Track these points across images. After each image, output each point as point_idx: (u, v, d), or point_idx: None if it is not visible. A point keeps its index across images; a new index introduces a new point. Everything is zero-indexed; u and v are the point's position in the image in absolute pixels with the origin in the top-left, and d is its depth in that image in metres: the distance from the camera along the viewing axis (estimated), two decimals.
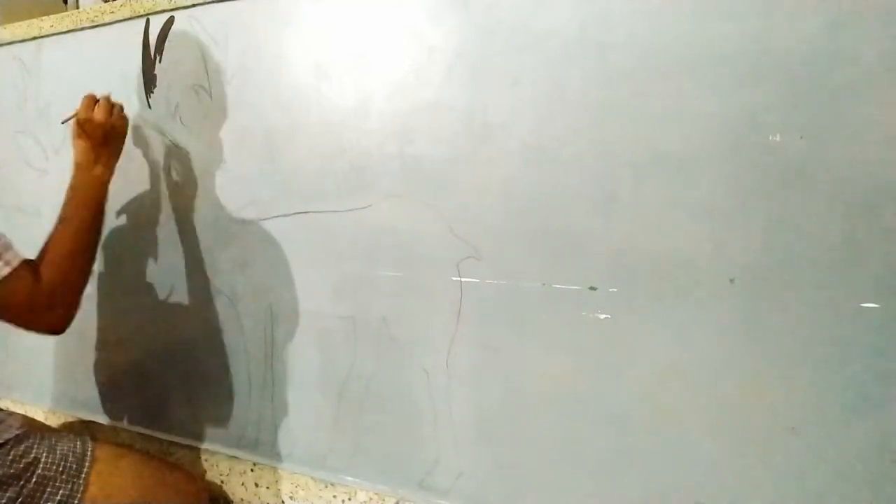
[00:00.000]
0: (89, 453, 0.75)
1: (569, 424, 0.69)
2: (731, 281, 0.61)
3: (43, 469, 0.71)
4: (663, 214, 0.63)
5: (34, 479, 0.70)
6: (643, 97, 0.63)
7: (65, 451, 0.74)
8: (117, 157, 0.83)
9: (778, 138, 0.58)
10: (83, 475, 0.73)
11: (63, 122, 0.83)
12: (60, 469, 0.72)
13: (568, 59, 0.66)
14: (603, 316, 0.67)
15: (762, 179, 0.59)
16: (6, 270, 0.65)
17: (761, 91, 0.58)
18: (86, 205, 0.77)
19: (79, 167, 0.79)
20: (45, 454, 0.72)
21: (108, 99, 0.80)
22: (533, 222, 0.69)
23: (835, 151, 0.56)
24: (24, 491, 0.69)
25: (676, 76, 0.61)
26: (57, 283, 0.70)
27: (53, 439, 0.75)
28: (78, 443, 0.76)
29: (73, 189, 0.78)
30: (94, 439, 0.78)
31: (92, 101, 0.79)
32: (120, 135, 0.83)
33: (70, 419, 1.10)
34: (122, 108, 0.83)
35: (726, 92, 0.60)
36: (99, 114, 0.78)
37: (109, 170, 0.81)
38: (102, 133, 0.79)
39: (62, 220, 0.75)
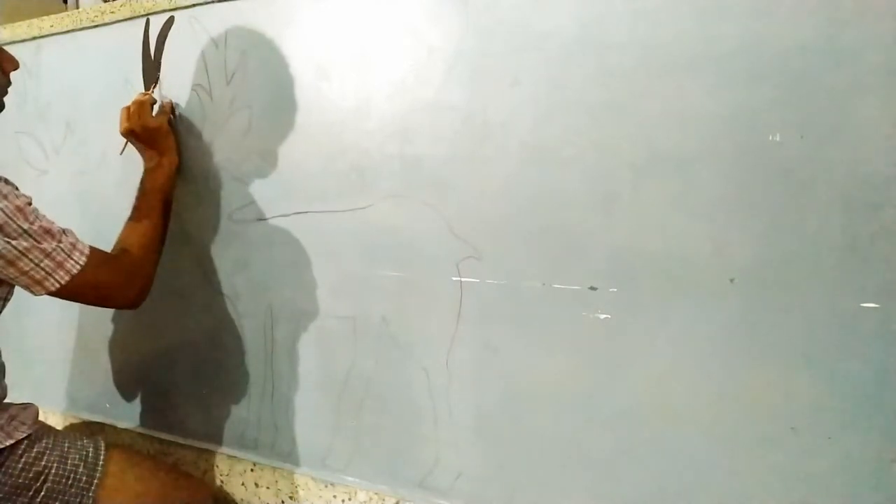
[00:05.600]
0: (101, 465, 0.74)
1: (568, 424, 0.69)
2: (731, 281, 0.61)
3: (53, 482, 0.70)
4: (663, 214, 0.63)
5: (43, 492, 0.69)
6: (643, 97, 0.63)
7: (76, 462, 0.73)
8: (168, 151, 0.87)
9: (778, 138, 0.58)
10: (93, 489, 0.72)
11: (121, 154, 0.91)
12: (70, 482, 0.71)
13: (568, 59, 0.66)
14: (603, 316, 0.67)
15: (762, 179, 0.59)
16: (83, 259, 0.70)
17: (761, 91, 0.58)
18: (153, 201, 0.84)
19: (145, 170, 0.87)
20: (55, 463, 0.71)
21: (126, 108, 0.85)
22: (533, 222, 0.69)
23: (835, 151, 0.56)
24: None
25: (676, 76, 0.61)
26: (137, 265, 0.79)
27: (66, 444, 0.74)
28: (90, 451, 0.76)
29: (142, 186, 0.86)
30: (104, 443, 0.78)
31: (124, 113, 0.85)
32: (154, 131, 0.85)
33: (73, 420, 1.10)
34: (141, 107, 0.84)
35: (726, 92, 0.60)
36: (119, 127, 0.85)
37: (164, 166, 0.86)
38: (138, 139, 0.85)
39: (137, 210, 0.83)
